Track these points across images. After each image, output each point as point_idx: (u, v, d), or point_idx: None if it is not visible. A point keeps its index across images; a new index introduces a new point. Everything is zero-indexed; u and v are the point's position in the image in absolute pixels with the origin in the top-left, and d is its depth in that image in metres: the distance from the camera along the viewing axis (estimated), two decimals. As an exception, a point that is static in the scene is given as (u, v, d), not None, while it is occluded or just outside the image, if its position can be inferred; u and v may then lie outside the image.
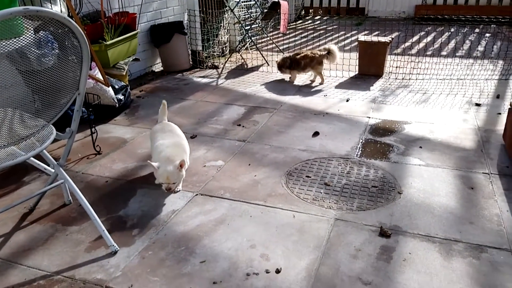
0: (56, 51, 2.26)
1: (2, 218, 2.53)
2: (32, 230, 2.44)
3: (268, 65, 5.84)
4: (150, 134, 2.98)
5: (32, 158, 2.50)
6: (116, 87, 4.07)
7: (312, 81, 5.09)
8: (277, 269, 2.09)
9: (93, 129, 3.34)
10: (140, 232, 2.42)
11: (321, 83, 5.01)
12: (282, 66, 5.08)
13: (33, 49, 2.14)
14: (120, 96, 4.09)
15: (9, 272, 2.13)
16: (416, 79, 5.07)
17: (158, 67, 5.81)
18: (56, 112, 2.11)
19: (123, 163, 3.21)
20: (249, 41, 6.54)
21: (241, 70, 5.78)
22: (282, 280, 2.03)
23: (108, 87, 3.84)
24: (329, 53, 4.84)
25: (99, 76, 3.66)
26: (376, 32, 6.55)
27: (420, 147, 3.32)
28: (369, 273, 2.04)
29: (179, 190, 2.79)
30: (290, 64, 5.02)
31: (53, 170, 2.42)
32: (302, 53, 4.97)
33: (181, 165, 2.55)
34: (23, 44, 1.92)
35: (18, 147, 2.06)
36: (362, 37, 5.28)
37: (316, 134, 3.59)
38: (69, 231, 2.43)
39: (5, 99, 2.00)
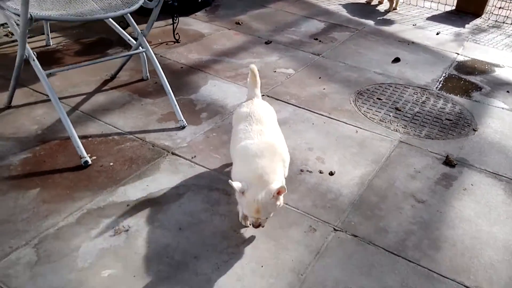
0: None
1: (86, 80, 2.74)
2: (111, 95, 2.63)
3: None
4: (234, 118, 1.98)
5: (119, 28, 2.63)
6: (201, -19, 4.03)
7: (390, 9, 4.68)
8: (330, 171, 2.13)
9: (175, 18, 3.40)
10: (207, 116, 2.53)
11: (388, 10, 4.63)
12: None
13: None
14: (204, -8, 4.06)
15: (88, 124, 2.35)
16: (521, 25, 4.53)
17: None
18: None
19: (198, 54, 3.28)
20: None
21: (327, -12, 5.46)
22: (334, 181, 2.07)
23: (194, -22, 3.81)
24: None
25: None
26: (487, -32, 5.78)
27: (508, 91, 3.05)
28: (424, 193, 2.01)
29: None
30: None
31: (135, 42, 2.53)
32: None
33: (279, 192, 1.56)
34: None
35: (109, 5, 2.14)
36: (469, -32, 4.71)
37: (396, 60, 3.40)
38: (144, 102, 2.59)
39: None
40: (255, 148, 1.69)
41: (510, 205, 1.97)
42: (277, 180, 1.61)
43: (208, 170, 2.08)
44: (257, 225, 1.63)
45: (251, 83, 2.03)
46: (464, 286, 1.55)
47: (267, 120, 1.88)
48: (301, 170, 2.13)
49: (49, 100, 2.13)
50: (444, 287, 1.54)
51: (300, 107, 2.70)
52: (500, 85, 3.14)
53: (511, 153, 2.35)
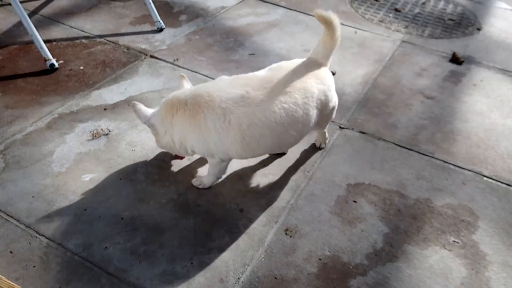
0: None
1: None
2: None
3: None
4: None
5: None
6: None
7: None
8: (331, 71, 1.92)
9: None
10: (187, 18, 2.24)
11: None
12: None
13: None
14: None
15: (51, 28, 2.03)
16: None
17: None
18: None
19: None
20: None
21: None
22: (335, 81, 1.87)
23: None
24: None
25: None
26: None
27: (511, -8, 2.86)
28: (433, 90, 1.85)
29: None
30: None
31: None
32: None
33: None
34: None
35: None
36: None
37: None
38: (113, 5, 2.27)
39: None
40: (190, 96, 1.17)
41: (523, 98, 1.84)
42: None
43: (194, 72, 1.84)
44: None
45: (326, 42, 1.31)
46: (483, 175, 1.44)
47: (290, 95, 1.18)
48: (298, 72, 1.92)
49: (3, 4, 1.80)
50: (461, 177, 1.42)
51: (291, 9, 2.43)
52: (501, -14, 2.93)
53: (518, 50, 2.20)
